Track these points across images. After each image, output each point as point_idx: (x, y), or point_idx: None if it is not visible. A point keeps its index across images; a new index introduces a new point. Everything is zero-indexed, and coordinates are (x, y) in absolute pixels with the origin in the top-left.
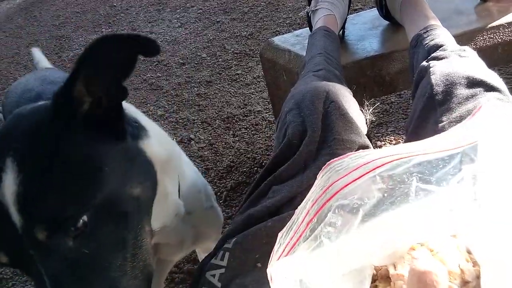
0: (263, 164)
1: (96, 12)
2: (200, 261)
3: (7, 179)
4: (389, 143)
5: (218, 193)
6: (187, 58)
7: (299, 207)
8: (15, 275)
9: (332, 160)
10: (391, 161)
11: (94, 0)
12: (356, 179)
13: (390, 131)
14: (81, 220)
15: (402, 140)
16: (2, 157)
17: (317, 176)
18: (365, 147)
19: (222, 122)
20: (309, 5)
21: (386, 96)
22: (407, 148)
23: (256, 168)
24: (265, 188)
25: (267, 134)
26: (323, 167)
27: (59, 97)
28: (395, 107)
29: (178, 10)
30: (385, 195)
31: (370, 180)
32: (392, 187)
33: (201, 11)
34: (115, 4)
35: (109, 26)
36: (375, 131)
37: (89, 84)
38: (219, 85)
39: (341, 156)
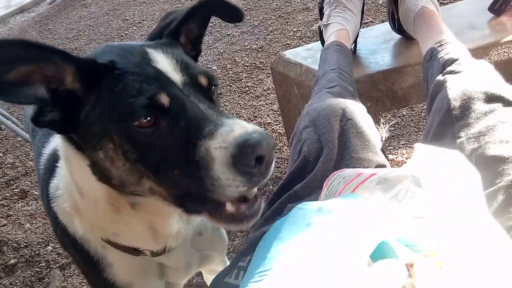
0: (271, 176)
1: (109, 26)
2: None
3: (161, 58)
4: (401, 156)
5: None
6: None
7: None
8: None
9: (335, 172)
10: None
11: (107, 14)
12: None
13: (402, 144)
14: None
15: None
16: (144, 50)
17: (324, 184)
18: (382, 165)
19: None
20: (321, 19)
21: (397, 109)
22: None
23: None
24: (280, 206)
25: (277, 146)
26: (327, 178)
27: (171, 34)
28: (406, 120)
29: None
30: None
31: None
32: None
33: (212, 24)
34: (127, 18)
35: (121, 39)
36: (386, 144)
37: (188, 31)
38: (229, 97)
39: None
